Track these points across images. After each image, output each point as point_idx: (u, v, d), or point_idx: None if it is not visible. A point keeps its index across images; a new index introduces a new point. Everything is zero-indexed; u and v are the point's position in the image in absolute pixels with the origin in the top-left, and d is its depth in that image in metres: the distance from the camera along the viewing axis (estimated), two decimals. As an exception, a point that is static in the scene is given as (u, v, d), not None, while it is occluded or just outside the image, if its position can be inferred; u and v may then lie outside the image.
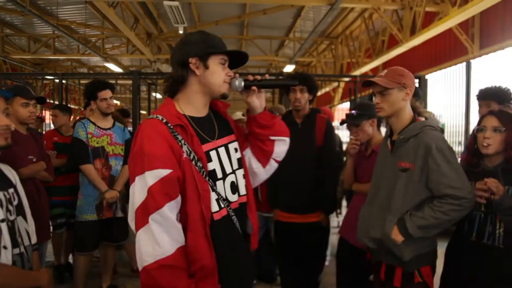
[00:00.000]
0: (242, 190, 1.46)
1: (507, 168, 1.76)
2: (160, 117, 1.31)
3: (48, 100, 5.75)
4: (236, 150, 1.48)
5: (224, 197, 1.37)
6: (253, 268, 1.60)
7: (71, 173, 3.36)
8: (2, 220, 1.36)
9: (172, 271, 1.22)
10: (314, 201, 2.70)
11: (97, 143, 2.96)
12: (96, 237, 2.97)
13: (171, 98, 1.41)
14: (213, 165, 1.37)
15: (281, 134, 1.57)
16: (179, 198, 1.27)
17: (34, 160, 2.63)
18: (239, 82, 1.41)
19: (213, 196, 1.32)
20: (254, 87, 1.44)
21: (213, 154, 1.38)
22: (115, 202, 2.97)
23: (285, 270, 2.93)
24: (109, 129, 3.05)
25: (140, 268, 1.24)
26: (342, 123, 2.65)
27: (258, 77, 1.45)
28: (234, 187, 1.43)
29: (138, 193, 1.25)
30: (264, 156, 1.56)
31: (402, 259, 1.73)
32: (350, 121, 2.47)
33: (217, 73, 1.36)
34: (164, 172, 1.23)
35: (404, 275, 1.75)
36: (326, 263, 4.06)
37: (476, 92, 2.72)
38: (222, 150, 1.42)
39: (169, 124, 1.29)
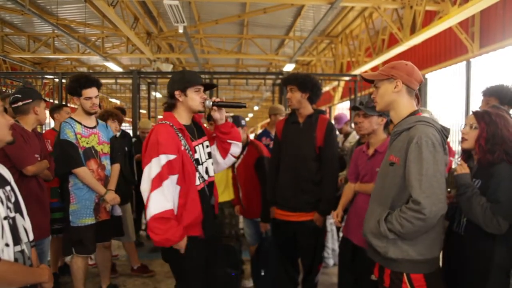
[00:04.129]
0: (211, 173, 2.23)
1: (480, 163, 1.88)
2: (168, 122, 2.05)
3: (48, 100, 5.76)
4: (207, 146, 2.25)
5: (202, 175, 2.13)
6: (216, 225, 2.40)
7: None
8: (5, 218, 1.37)
9: (168, 220, 1.93)
10: (310, 200, 2.72)
11: (87, 143, 2.80)
12: (95, 239, 2.87)
13: (170, 111, 2.13)
14: (197, 155, 2.13)
15: (236, 139, 2.28)
16: (177, 175, 1.98)
17: (39, 158, 2.69)
18: (208, 102, 2.14)
19: (197, 174, 2.08)
20: (214, 107, 2.14)
21: (197, 148, 2.15)
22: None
23: (281, 268, 2.93)
24: (94, 127, 2.90)
25: (149, 218, 1.92)
26: (354, 108, 2.66)
27: (216, 99, 2.15)
28: (207, 171, 2.19)
29: (154, 168, 1.93)
30: (224, 152, 2.29)
31: (385, 256, 1.69)
32: (362, 109, 2.45)
33: (193, 99, 2.10)
34: (172, 156, 1.96)
35: (392, 277, 1.70)
36: (331, 261, 4.06)
37: (482, 89, 2.74)
38: (200, 146, 2.18)
39: (174, 127, 2.04)
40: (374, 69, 8.97)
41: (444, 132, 1.69)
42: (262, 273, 3.10)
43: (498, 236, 1.78)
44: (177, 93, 2.08)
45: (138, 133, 5.05)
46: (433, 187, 1.55)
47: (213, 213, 2.23)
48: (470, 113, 2.00)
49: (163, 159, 1.93)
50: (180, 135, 2.03)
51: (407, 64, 1.74)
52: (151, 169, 1.94)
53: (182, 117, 2.13)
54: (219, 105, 2.15)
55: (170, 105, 2.14)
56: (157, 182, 1.92)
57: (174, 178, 1.97)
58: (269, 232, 3.12)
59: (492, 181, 1.80)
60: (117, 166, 3.01)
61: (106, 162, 2.93)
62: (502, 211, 1.74)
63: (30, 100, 2.69)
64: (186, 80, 2.09)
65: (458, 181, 1.86)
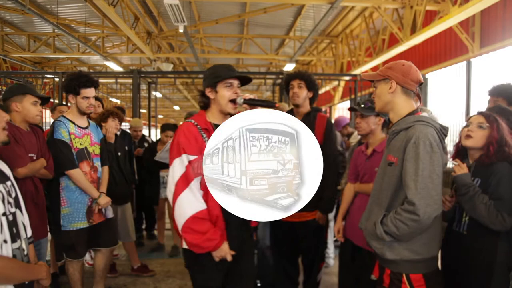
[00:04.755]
0: None
1: (480, 162, 1.90)
2: (193, 121, 1.90)
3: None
4: None
5: None
6: (248, 237, 2.05)
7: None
8: (3, 214, 1.36)
9: (204, 221, 1.77)
10: (312, 199, 2.69)
11: (81, 144, 2.72)
12: (87, 243, 2.80)
13: (204, 110, 1.98)
14: None
15: None
16: (200, 177, 1.79)
17: (35, 158, 2.56)
18: (240, 99, 1.93)
19: None
20: (245, 104, 1.94)
21: None
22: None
23: (281, 268, 2.93)
24: (87, 128, 2.83)
25: (183, 220, 1.77)
26: (351, 109, 2.66)
27: (248, 96, 1.95)
28: None
29: (178, 169, 1.80)
30: None
31: (383, 257, 1.70)
32: (359, 109, 2.47)
33: (223, 95, 1.88)
34: (192, 157, 1.80)
35: (391, 277, 1.71)
36: (331, 261, 4.06)
37: (488, 88, 2.72)
38: None
39: (198, 126, 1.87)
40: (374, 69, 8.98)
41: (442, 131, 1.69)
42: (259, 284, 3.10)
43: (502, 233, 1.80)
44: (208, 90, 1.91)
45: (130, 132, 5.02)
46: (428, 188, 1.54)
47: (244, 226, 1.94)
48: (472, 112, 2.00)
49: (185, 159, 1.80)
50: (204, 135, 1.85)
51: (404, 65, 1.73)
52: (174, 171, 1.81)
53: (215, 116, 1.94)
54: (250, 103, 1.93)
55: (205, 104, 1.97)
56: (184, 183, 1.78)
57: (198, 179, 1.81)
58: (259, 241, 3.10)
59: (492, 178, 1.82)
60: (106, 168, 2.96)
61: (98, 163, 2.86)
62: (505, 207, 1.76)
63: (1, 97, 2.49)
64: (216, 75, 1.90)
65: (458, 181, 1.87)
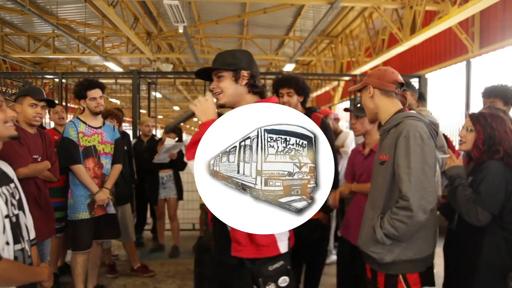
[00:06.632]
0: None
1: (475, 163, 1.95)
2: None
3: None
4: None
5: None
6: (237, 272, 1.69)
7: (62, 174, 3.22)
8: (6, 216, 1.37)
9: None
10: None
11: (89, 142, 2.94)
12: (91, 235, 2.96)
13: None
14: None
15: None
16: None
17: (39, 159, 2.63)
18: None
19: None
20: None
21: None
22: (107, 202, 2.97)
23: None
24: (99, 127, 3.04)
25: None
26: (346, 110, 2.66)
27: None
28: None
29: None
30: None
31: (381, 262, 1.66)
32: (353, 111, 2.48)
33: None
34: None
35: (387, 279, 1.68)
36: (334, 257, 4.06)
37: (480, 90, 2.71)
38: None
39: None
40: (374, 69, 8.98)
41: (432, 127, 1.68)
42: None
43: (488, 229, 1.80)
44: None
45: (139, 131, 5.00)
46: (421, 181, 1.54)
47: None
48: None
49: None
50: None
51: (379, 69, 1.80)
52: None
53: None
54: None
55: None
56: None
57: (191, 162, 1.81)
58: None
59: (479, 175, 1.85)
60: (118, 166, 3.10)
61: (106, 161, 3.01)
62: (481, 201, 1.78)
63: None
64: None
65: (447, 173, 1.92)
